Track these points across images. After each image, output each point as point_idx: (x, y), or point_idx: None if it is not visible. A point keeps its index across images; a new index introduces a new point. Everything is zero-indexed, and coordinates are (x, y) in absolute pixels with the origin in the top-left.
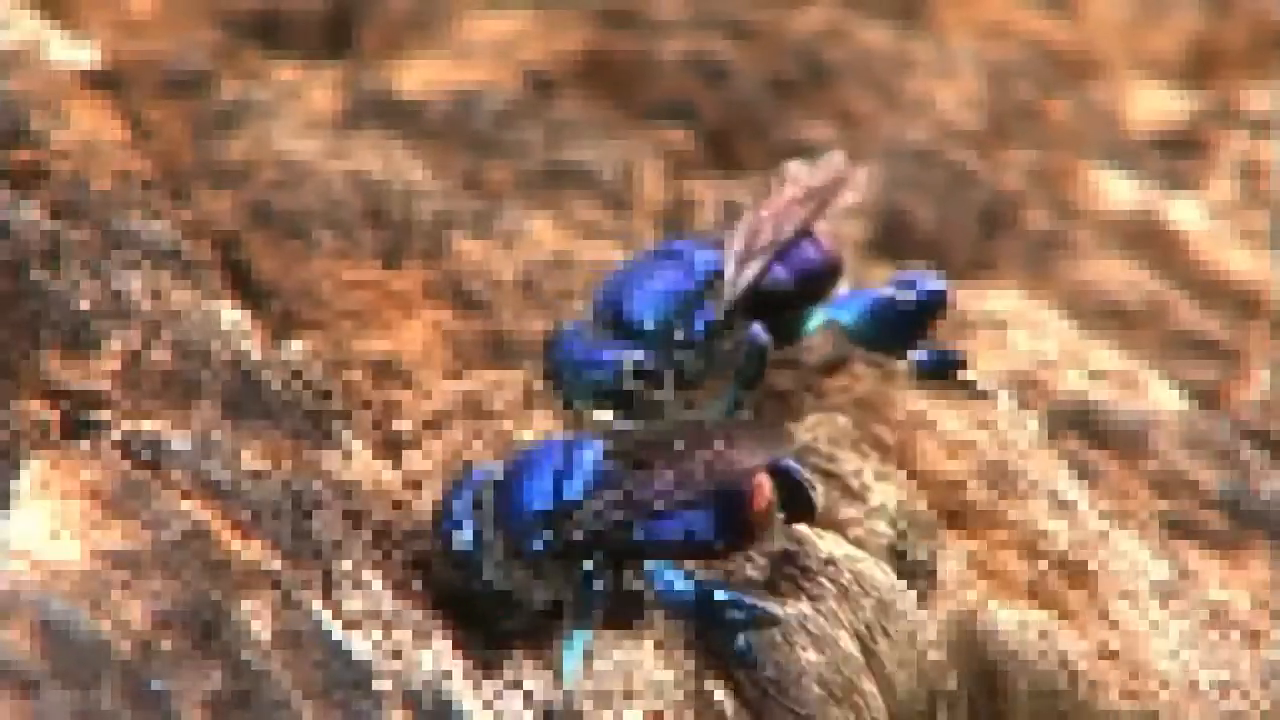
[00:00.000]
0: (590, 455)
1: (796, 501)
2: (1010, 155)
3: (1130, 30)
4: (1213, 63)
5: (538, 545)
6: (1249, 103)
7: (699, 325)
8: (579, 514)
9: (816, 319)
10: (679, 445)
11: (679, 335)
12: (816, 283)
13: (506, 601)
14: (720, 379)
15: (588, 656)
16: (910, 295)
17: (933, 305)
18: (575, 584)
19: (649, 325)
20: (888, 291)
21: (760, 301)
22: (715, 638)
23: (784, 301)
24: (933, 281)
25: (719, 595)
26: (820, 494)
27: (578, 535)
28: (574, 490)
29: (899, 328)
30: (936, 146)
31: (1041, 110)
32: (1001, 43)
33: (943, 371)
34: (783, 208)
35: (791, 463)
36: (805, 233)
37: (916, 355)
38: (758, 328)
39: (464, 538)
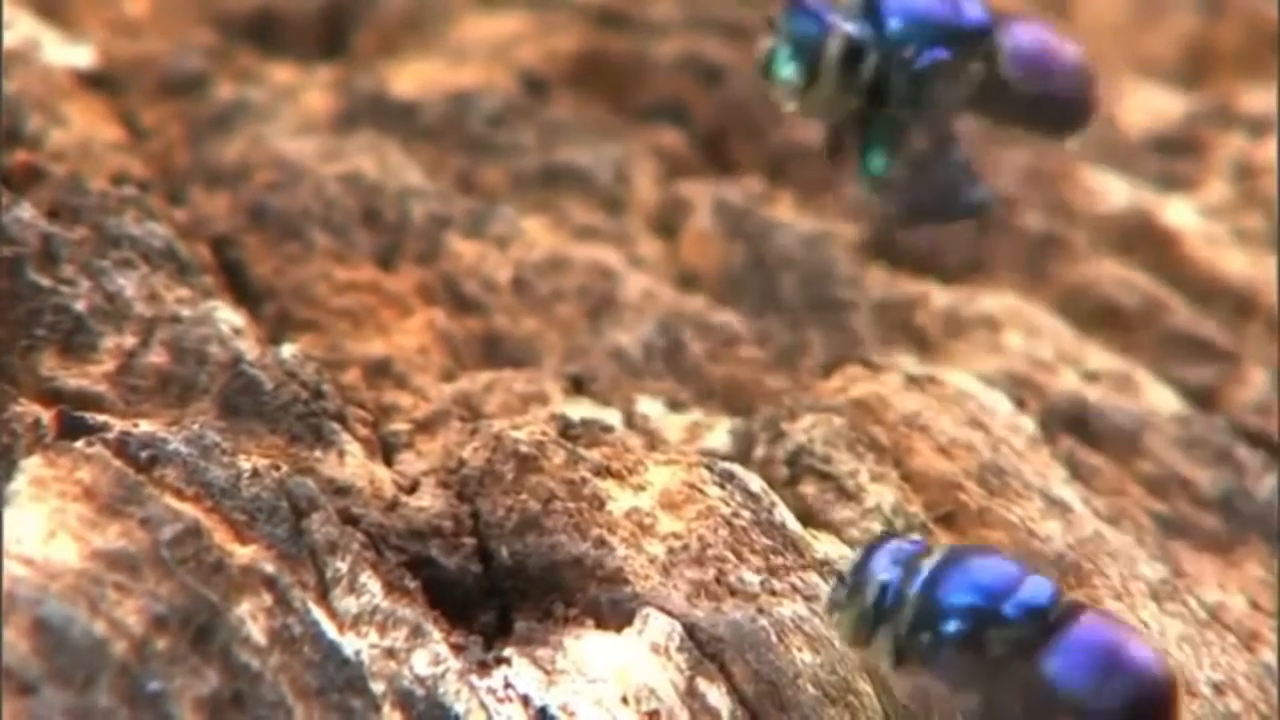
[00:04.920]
0: None
1: None
2: (1005, 156)
3: (1125, 31)
4: (1208, 64)
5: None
6: (1245, 103)
7: (926, 59)
8: None
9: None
10: None
11: (906, 53)
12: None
13: None
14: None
15: None
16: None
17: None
18: None
19: (891, 26)
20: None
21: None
22: None
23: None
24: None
25: None
26: None
27: None
28: None
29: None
30: None
31: None
32: None
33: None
34: None
35: None
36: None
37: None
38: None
39: None
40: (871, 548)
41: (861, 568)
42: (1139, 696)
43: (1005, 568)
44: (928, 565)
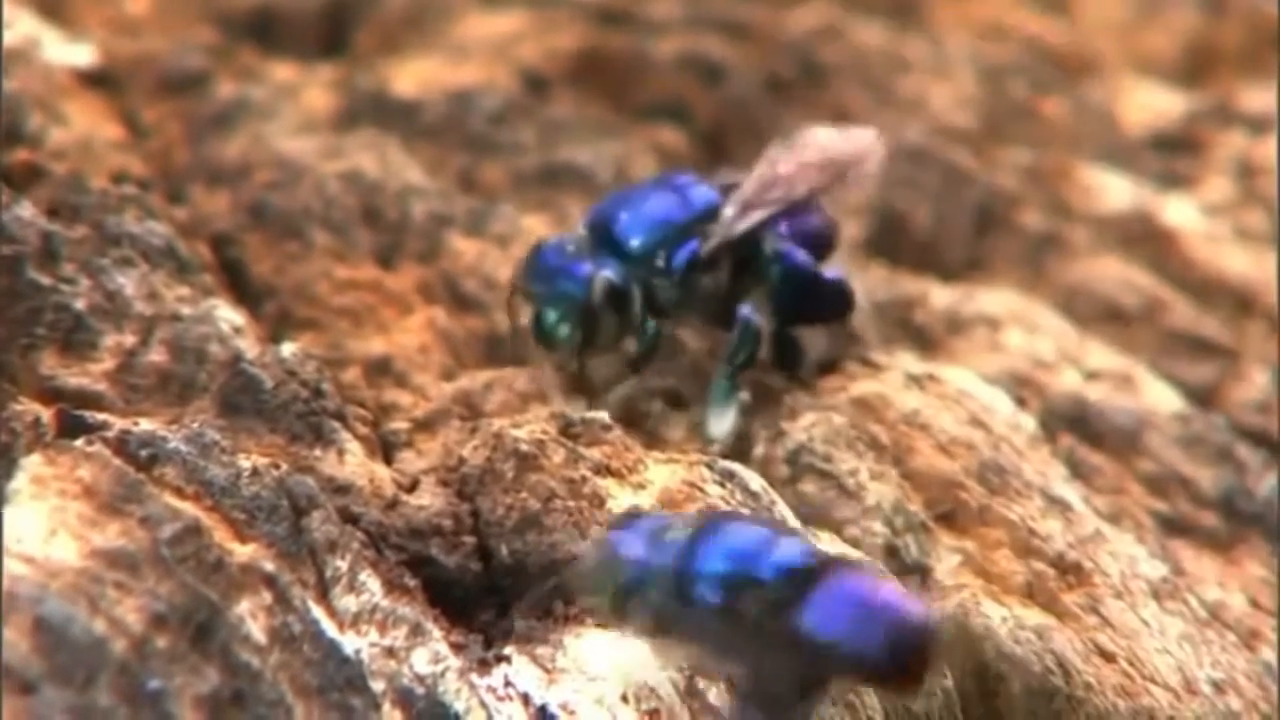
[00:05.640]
0: None
1: None
2: (1005, 154)
3: (1126, 30)
4: (1208, 62)
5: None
6: (1245, 102)
7: (681, 257)
8: None
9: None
10: None
11: (659, 262)
12: (812, 249)
13: None
14: (690, 316)
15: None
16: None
17: None
18: None
19: (633, 246)
20: None
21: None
22: None
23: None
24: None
25: None
26: None
27: None
28: None
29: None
30: (932, 146)
31: (1037, 110)
32: (997, 42)
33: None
34: (799, 169)
35: None
36: (813, 198)
37: None
38: (748, 310)
39: None
40: (614, 527)
41: (607, 548)
42: (898, 637)
43: (755, 532)
44: (676, 537)
